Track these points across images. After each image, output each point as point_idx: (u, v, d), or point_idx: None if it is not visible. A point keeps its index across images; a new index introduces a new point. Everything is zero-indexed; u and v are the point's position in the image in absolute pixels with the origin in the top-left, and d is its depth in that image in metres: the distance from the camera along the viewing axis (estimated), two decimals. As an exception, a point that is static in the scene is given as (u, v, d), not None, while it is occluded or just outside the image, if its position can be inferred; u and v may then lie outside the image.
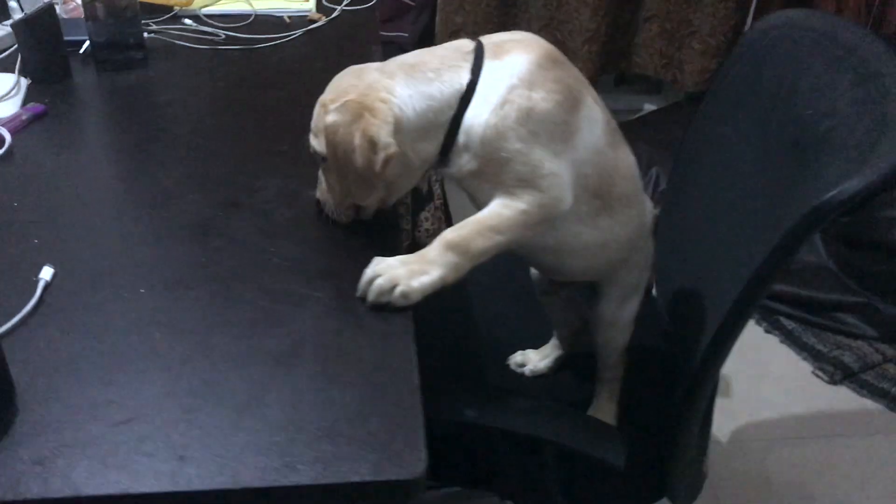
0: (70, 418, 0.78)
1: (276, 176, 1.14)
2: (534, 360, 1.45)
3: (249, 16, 1.56)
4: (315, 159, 1.04)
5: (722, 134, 1.37)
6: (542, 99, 0.97)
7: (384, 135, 0.95)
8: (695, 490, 1.28)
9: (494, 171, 1.00)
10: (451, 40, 1.06)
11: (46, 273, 0.95)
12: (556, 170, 1.00)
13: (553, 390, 1.41)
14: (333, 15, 1.57)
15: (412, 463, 0.75)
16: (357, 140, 0.96)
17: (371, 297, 0.94)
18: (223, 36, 1.48)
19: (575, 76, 1.03)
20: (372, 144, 0.95)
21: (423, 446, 0.77)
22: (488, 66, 1.00)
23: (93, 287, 0.95)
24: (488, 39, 1.04)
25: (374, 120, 0.95)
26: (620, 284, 1.23)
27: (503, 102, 0.97)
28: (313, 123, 1.03)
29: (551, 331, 1.44)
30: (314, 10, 1.56)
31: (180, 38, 1.47)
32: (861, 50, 1.12)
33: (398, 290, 0.94)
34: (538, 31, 2.79)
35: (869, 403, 2.11)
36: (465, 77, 0.99)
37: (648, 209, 1.21)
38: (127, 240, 1.03)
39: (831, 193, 0.93)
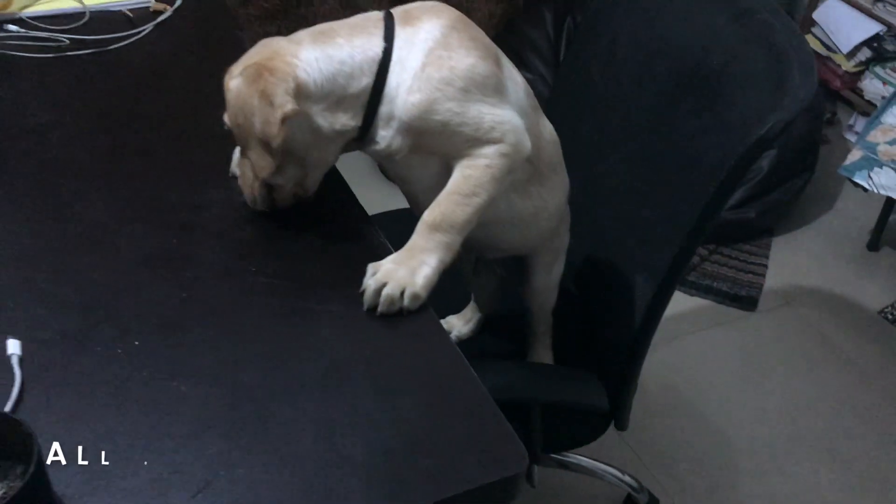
0: (142, 501, 0.70)
1: (215, 189, 1.05)
2: (457, 325, 1.47)
3: (82, 15, 1.39)
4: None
5: (593, 86, 1.44)
6: (463, 56, 0.97)
7: (280, 92, 0.91)
8: (629, 414, 1.38)
9: (435, 141, 0.98)
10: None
11: (13, 346, 0.82)
12: (502, 118, 0.98)
13: (483, 352, 1.44)
14: (176, 4, 1.43)
15: (514, 456, 0.76)
16: (255, 101, 0.92)
17: (382, 308, 0.91)
18: (66, 41, 1.31)
19: (489, 39, 1.04)
20: (269, 102, 0.91)
21: (516, 437, 0.77)
22: (401, 32, 0.98)
23: (76, 350, 0.84)
24: (396, 9, 1.02)
25: (272, 79, 0.92)
26: (546, 254, 1.26)
27: (423, 66, 0.96)
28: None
29: (467, 293, 1.46)
30: (154, 0, 1.42)
31: (13, 48, 1.28)
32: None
33: (408, 292, 0.92)
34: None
35: (700, 301, 2.37)
36: (377, 44, 0.97)
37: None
38: (84, 290, 0.90)
39: (769, 125, 1.03)
